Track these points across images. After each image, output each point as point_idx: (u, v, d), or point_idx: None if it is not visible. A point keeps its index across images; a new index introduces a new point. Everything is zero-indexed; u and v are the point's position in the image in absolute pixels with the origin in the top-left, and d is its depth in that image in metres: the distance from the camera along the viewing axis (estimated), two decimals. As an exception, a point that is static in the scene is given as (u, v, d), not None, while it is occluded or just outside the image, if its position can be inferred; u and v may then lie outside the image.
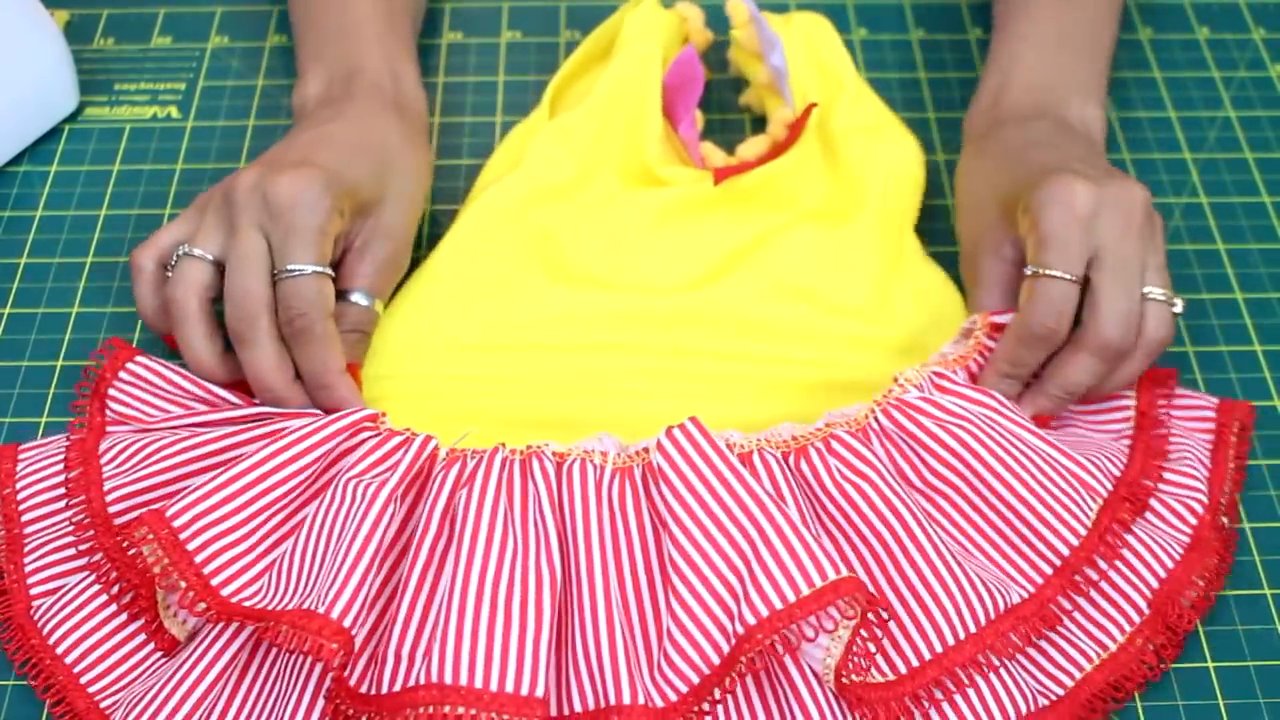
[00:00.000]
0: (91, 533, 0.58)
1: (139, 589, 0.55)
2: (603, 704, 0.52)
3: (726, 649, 0.52)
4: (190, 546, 0.54)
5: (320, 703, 0.53)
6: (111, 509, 0.58)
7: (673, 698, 0.52)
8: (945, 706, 0.54)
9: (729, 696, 0.53)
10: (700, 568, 0.53)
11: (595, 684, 0.53)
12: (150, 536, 0.53)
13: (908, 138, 0.74)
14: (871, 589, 0.55)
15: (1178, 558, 0.59)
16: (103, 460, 0.60)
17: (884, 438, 0.59)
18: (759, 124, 0.79)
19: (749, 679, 0.54)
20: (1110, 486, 0.59)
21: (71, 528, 0.59)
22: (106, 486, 0.59)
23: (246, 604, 0.53)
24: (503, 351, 0.67)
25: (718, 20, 0.82)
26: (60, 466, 0.61)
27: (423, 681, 0.51)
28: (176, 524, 0.54)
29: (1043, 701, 0.56)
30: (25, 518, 0.60)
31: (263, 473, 0.55)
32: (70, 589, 0.58)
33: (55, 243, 0.73)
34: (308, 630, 0.51)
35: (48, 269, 0.72)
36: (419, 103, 0.74)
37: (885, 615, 0.52)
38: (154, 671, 0.57)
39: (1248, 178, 0.77)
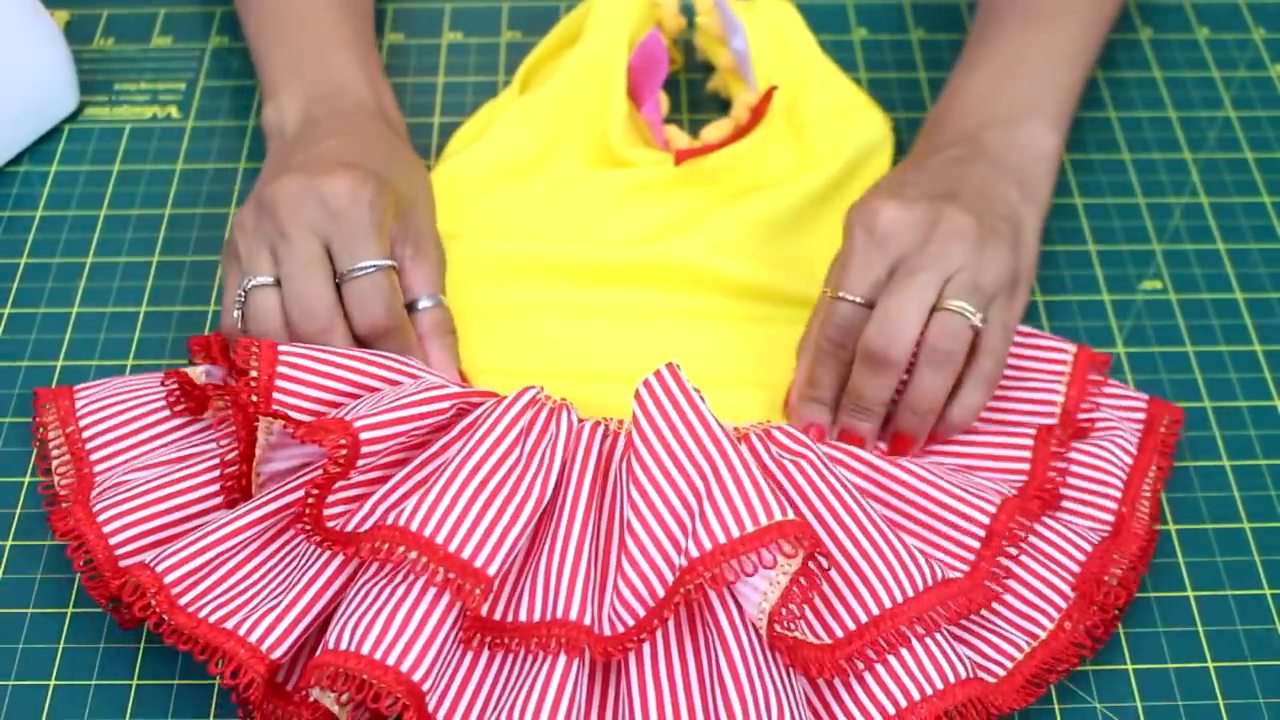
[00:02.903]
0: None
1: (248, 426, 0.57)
2: (549, 616, 0.54)
3: (671, 581, 0.53)
4: (280, 371, 0.57)
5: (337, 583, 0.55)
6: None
7: (620, 629, 0.53)
8: (882, 668, 0.54)
9: (661, 639, 0.54)
10: (654, 503, 0.54)
11: (548, 598, 0.54)
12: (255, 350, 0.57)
13: (877, 117, 0.75)
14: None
15: (1095, 543, 0.59)
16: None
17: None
18: (728, 109, 0.79)
19: (685, 626, 0.55)
20: (1000, 492, 0.59)
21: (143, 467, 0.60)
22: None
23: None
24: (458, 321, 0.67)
25: (687, 7, 0.82)
26: (124, 407, 0.62)
27: (389, 523, 0.53)
28: (282, 353, 0.57)
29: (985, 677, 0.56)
30: (94, 457, 0.61)
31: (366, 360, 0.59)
32: (127, 485, 0.58)
33: (55, 243, 0.73)
34: (326, 429, 0.54)
35: (48, 269, 0.72)
36: (401, 120, 0.74)
37: (825, 564, 0.53)
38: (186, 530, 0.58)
39: (1248, 178, 0.77)
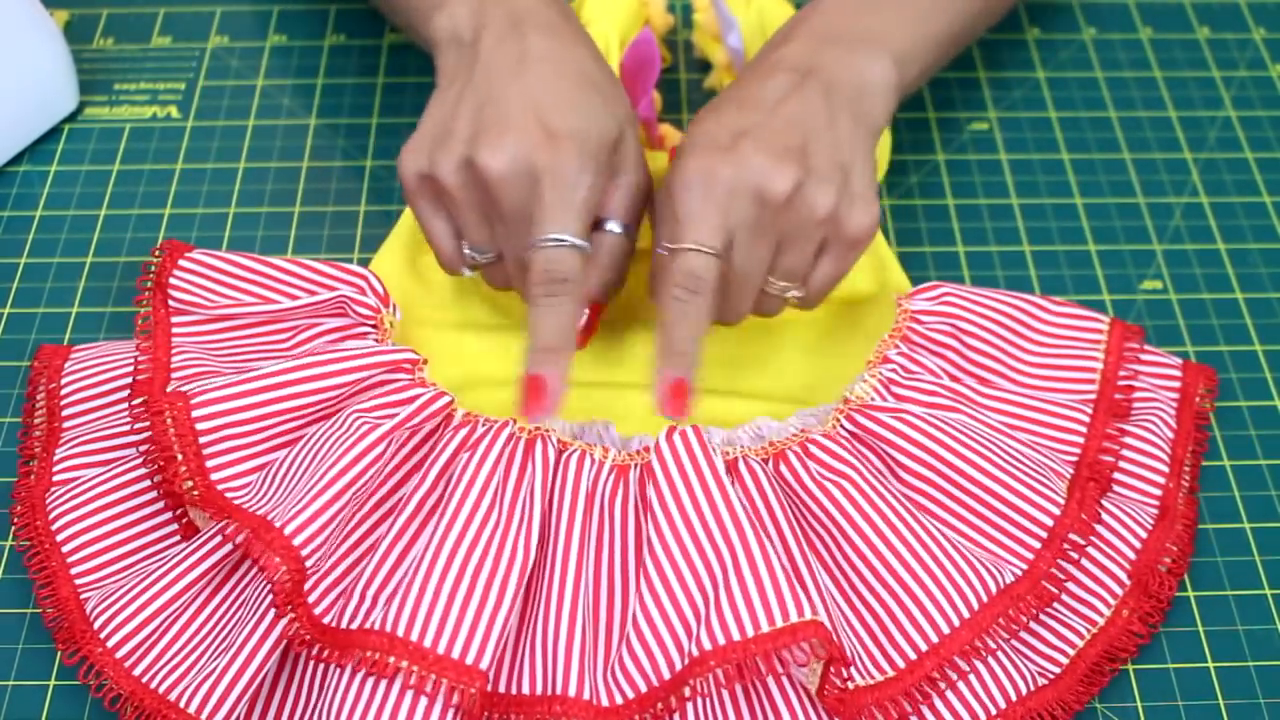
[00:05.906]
0: (139, 425, 0.60)
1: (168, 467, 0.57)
2: (549, 691, 0.53)
3: (680, 665, 0.52)
4: (200, 427, 0.56)
5: (278, 629, 0.54)
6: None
7: (619, 701, 0.52)
8: (949, 694, 0.54)
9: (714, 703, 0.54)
10: (670, 580, 0.53)
11: (546, 670, 0.54)
12: (167, 410, 0.56)
13: None
14: (852, 596, 0.56)
15: (1148, 527, 0.60)
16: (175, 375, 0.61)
17: (854, 441, 0.59)
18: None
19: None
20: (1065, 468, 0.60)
21: (106, 427, 0.61)
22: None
23: (229, 496, 0.55)
24: (449, 330, 0.67)
25: (680, 5, 0.82)
26: (107, 369, 0.63)
27: (378, 627, 0.52)
28: (195, 401, 0.56)
29: (1041, 681, 0.56)
30: (66, 413, 0.63)
31: (288, 379, 0.57)
32: (84, 481, 0.59)
33: (55, 243, 0.73)
34: (262, 541, 0.52)
35: (48, 269, 0.72)
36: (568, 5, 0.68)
37: (846, 674, 0.52)
38: (135, 570, 0.57)
39: (1248, 178, 0.77)
